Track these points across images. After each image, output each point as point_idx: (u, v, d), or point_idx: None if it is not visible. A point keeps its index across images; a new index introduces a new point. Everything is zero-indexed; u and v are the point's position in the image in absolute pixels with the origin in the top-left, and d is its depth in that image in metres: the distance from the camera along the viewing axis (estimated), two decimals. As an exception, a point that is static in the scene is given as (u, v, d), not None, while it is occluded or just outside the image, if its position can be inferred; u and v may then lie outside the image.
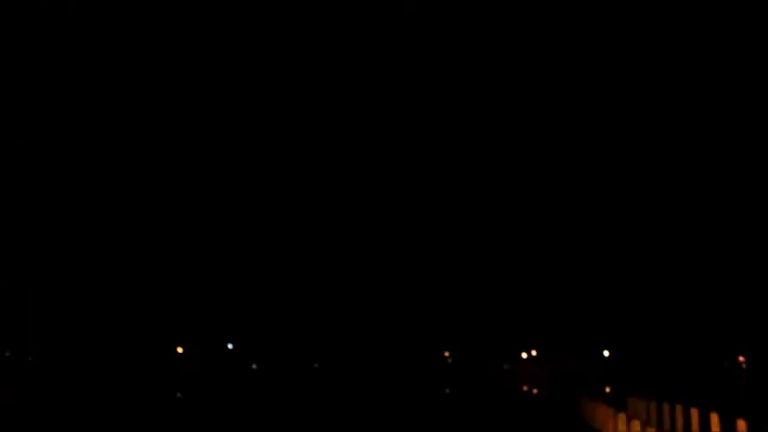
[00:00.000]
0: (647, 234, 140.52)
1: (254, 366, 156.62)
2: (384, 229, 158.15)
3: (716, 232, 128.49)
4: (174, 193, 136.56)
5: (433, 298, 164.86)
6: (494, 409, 58.85)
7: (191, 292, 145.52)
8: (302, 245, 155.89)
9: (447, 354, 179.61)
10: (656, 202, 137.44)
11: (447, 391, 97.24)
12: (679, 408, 29.34)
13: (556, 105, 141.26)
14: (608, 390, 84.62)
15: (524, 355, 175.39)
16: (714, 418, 23.12)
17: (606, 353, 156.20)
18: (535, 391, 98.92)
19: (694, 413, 26.42)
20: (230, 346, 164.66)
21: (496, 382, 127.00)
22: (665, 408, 31.27)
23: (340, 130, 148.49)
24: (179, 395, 72.88)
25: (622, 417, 22.52)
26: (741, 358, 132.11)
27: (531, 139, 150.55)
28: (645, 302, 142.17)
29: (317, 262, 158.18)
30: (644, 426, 30.16)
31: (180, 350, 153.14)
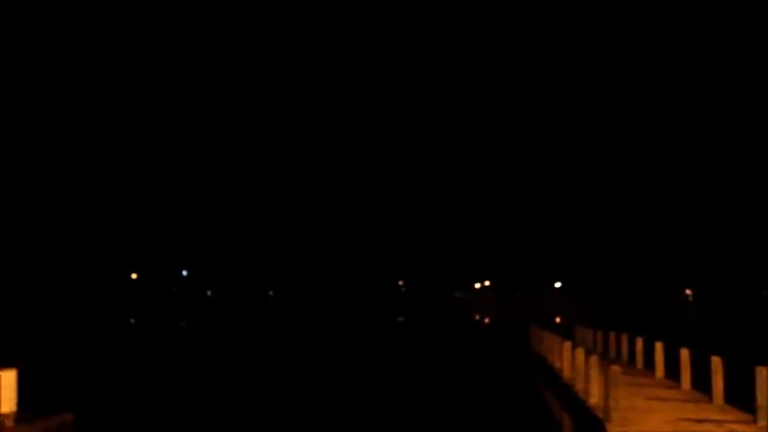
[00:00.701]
0: (599, 170, 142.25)
1: (208, 293, 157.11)
2: (343, 162, 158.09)
3: (664, 168, 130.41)
4: (133, 121, 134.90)
5: (389, 229, 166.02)
6: (445, 336, 59.96)
7: (146, 217, 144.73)
8: (261, 173, 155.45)
9: (401, 283, 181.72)
10: (608, 140, 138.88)
11: (400, 318, 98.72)
12: (624, 337, 30.34)
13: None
14: (558, 320, 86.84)
15: (477, 286, 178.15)
16: (658, 347, 24.04)
17: (558, 284, 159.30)
18: (487, 320, 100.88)
19: (639, 342, 27.38)
20: (185, 272, 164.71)
21: (449, 311, 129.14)
22: (611, 336, 32.32)
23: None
24: (133, 321, 73.10)
25: (567, 344, 23.30)
26: (688, 291, 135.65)
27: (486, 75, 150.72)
28: (596, 236, 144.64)
29: (275, 191, 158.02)
30: (588, 353, 31.25)
31: (134, 276, 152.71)
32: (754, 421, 15.65)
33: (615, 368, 15.76)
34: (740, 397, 17.57)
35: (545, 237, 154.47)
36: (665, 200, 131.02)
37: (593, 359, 18.12)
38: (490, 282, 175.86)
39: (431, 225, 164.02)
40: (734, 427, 15.49)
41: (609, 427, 15.23)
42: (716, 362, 18.25)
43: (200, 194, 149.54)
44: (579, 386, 20.20)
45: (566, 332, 44.56)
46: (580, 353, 20.36)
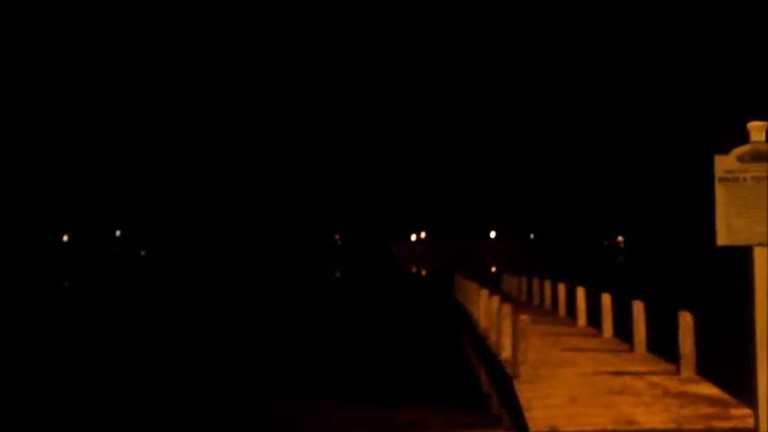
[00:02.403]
0: (532, 120, 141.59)
1: (142, 253, 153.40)
2: (282, 115, 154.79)
3: (596, 117, 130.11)
4: (62, 75, 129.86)
5: (324, 183, 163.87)
6: (380, 289, 58.63)
7: (76, 178, 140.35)
8: (195, 125, 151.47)
9: (338, 237, 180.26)
10: (538, 91, 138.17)
11: (337, 273, 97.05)
12: (547, 283, 28.86)
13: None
14: (494, 269, 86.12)
15: (414, 238, 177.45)
16: (579, 293, 22.62)
17: (493, 234, 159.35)
18: (423, 272, 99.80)
19: (561, 288, 25.94)
20: (118, 233, 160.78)
21: (386, 264, 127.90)
22: (535, 283, 30.86)
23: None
24: (66, 284, 70.05)
25: (484, 293, 21.64)
26: (620, 238, 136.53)
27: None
28: (530, 185, 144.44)
29: (208, 147, 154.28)
30: (507, 302, 29.78)
31: (65, 238, 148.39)
32: (677, 372, 14.06)
33: (524, 318, 14.00)
34: (666, 345, 15.96)
35: (479, 187, 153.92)
36: (597, 147, 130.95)
37: (505, 308, 16.36)
38: (426, 234, 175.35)
39: (366, 178, 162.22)
40: (655, 379, 13.88)
41: (516, 384, 13.48)
42: (638, 308, 16.66)
43: (132, 151, 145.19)
44: (493, 338, 18.49)
45: (499, 281, 43.26)
46: (494, 301, 18.60)
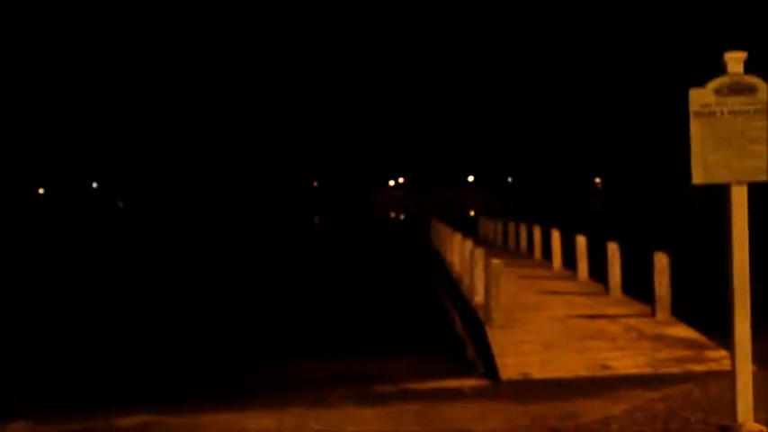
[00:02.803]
0: (507, 61, 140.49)
1: (120, 204, 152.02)
2: (262, 57, 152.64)
3: (572, 55, 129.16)
4: (39, 26, 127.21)
5: (302, 126, 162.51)
6: (357, 234, 58.37)
7: (52, 129, 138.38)
8: (173, 70, 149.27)
9: (316, 183, 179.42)
10: (514, 31, 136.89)
11: (316, 220, 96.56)
12: (522, 226, 28.56)
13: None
14: (472, 213, 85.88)
15: (392, 183, 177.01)
16: (555, 235, 22.33)
17: (471, 178, 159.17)
18: (402, 216, 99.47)
19: (536, 230, 25.65)
20: (94, 185, 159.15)
21: (365, 209, 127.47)
22: (510, 226, 30.56)
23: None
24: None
25: (458, 236, 21.28)
26: (597, 180, 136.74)
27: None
28: (508, 128, 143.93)
29: (186, 92, 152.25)
30: (481, 245, 29.48)
31: (41, 191, 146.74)
32: (653, 314, 13.80)
33: (496, 261, 13.63)
34: (642, 288, 15.66)
35: (457, 131, 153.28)
36: (575, 88, 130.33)
37: (478, 252, 15.99)
38: (404, 178, 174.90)
39: (344, 122, 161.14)
40: (630, 322, 13.62)
41: (488, 329, 13.17)
42: (612, 249, 16.35)
43: (108, 97, 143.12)
44: (467, 282, 18.14)
45: (477, 225, 42.97)
46: (467, 245, 18.23)
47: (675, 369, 10.60)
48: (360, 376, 12.22)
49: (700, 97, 7.80)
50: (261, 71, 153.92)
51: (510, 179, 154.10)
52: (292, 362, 13.52)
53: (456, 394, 10.03)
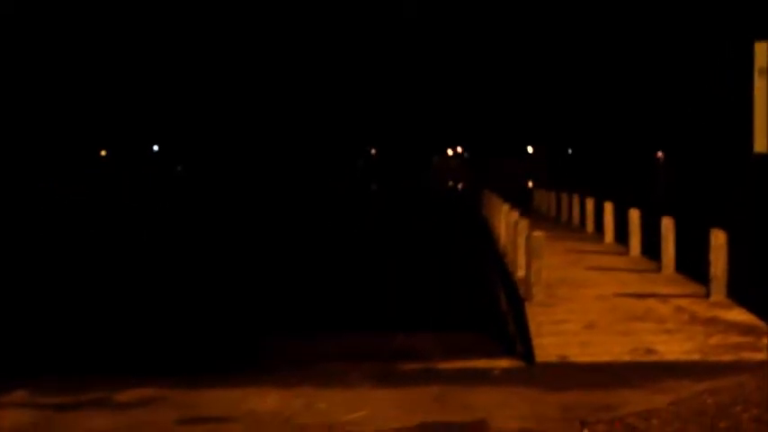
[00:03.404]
0: (570, 34, 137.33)
1: (179, 168, 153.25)
2: (313, 35, 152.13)
3: (633, 30, 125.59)
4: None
5: (361, 94, 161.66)
6: (415, 201, 57.74)
7: (116, 92, 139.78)
8: (227, 45, 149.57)
9: (374, 151, 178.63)
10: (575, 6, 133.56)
11: (374, 186, 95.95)
12: (575, 198, 27.45)
13: None
14: (531, 184, 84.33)
15: (450, 152, 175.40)
16: (607, 207, 21.27)
17: (530, 149, 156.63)
18: (461, 186, 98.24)
19: (589, 203, 24.56)
20: (155, 148, 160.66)
21: (423, 178, 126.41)
22: (563, 198, 29.45)
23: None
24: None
25: (505, 207, 20.34)
26: (660, 154, 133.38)
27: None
28: (568, 99, 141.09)
29: (241, 63, 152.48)
30: (535, 216, 28.49)
31: (103, 153, 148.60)
32: (707, 295, 12.77)
33: (537, 234, 12.72)
34: (697, 267, 14.57)
35: (519, 101, 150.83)
36: (636, 61, 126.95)
37: (522, 223, 15.08)
38: (463, 148, 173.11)
39: (402, 90, 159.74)
40: (682, 302, 12.61)
41: (528, 307, 12.30)
42: (667, 224, 15.29)
43: (167, 66, 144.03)
44: (511, 255, 17.22)
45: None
46: (513, 215, 17.30)
47: (728, 357, 9.65)
48: (389, 352, 11.51)
49: (766, 52, 6.73)
50: (318, 39, 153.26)
51: (570, 151, 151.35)
52: (322, 336, 12.83)
53: (485, 376, 9.22)
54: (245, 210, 51.04)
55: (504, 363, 10.16)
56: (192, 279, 20.93)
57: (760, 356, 9.67)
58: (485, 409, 7.56)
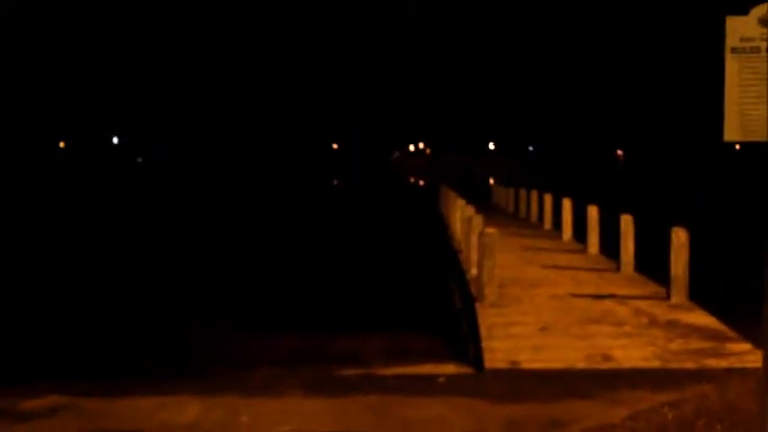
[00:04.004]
0: (530, 29, 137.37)
1: (139, 160, 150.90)
2: (281, 20, 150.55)
3: (596, 26, 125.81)
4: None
5: (324, 89, 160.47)
6: (375, 197, 57.05)
7: (76, 83, 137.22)
8: (187, 38, 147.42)
9: (335, 146, 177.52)
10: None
11: (335, 182, 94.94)
12: (534, 194, 26.86)
13: None
14: (492, 181, 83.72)
15: (412, 148, 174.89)
16: (566, 204, 20.69)
17: (491, 146, 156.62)
18: (422, 182, 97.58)
19: (548, 199, 23.97)
20: (115, 140, 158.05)
21: (384, 174, 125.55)
22: (522, 194, 28.88)
23: None
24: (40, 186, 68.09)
25: (461, 202, 19.66)
26: (619, 151, 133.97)
27: None
28: (531, 97, 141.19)
29: (204, 56, 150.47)
30: (494, 213, 27.89)
31: (62, 145, 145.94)
32: (667, 297, 12.14)
33: (490, 231, 12.02)
34: (658, 267, 13.92)
35: (481, 99, 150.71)
36: (596, 57, 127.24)
37: (476, 219, 14.37)
38: (425, 144, 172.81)
39: (364, 86, 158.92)
40: (641, 304, 11.98)
41: (480, 308, 11.58)
42: (626, 221, 14.67)
43: (130, 56, 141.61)
44: (466, 253, 16.50)
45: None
46: (468, 211, 16.60)
47: (690, 364, 9.00)
48: (329, 356, 10.70)
49: (739, 28, 5.98)
50: (286, 33, 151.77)
51: (531, 148, 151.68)
52: (260, 337, 11.97)
53: (428, 385, 8.48)
54: (202, 203, 49.92)
55: (451, 368, 9.43)
56: (130, 272, 19.94)
57: (723, 364, 9.05)
58: (423, 425, 6.82)
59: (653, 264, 14.34)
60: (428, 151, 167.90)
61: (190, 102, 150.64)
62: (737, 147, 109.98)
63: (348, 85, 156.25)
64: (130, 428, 6.83)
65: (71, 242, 27.19)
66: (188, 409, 7.40)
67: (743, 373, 8.65)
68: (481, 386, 8.30)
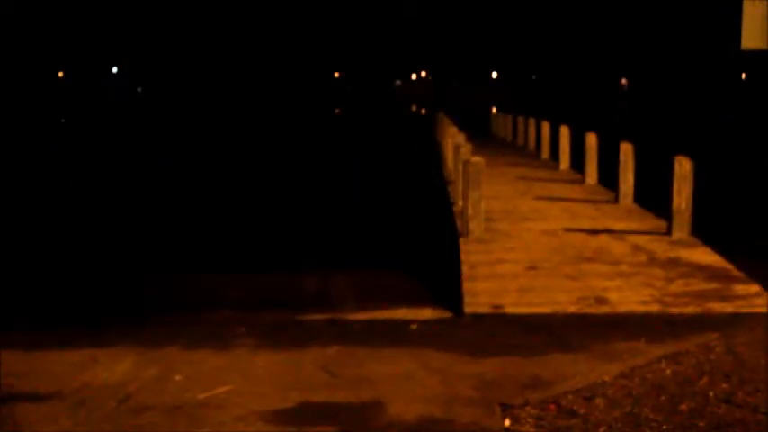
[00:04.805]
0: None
1: (138, 90, 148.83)
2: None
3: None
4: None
5: (326, 17, 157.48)
6: (375, 126, 55.94)
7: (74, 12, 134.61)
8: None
9: (337, 74, 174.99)
10: None
11: (337, 111, 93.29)
12: (531, 121, 25.69)
13: None
14: (494, 110, 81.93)
15: (414, 77, 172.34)
16: (563, 131, 19.58)
17: (494, 74, 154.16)
18: (423, 111, 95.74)
19: (545, 125, 22.82)
20: (114, 69, 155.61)
21: (386, 101, 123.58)
22: (520, 122, 27.71)
23: None
24: (63, 120, 66.68)
25: (453, 130, 18.56)
26: (623, 80, 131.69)
27: None
28: (533, 24, 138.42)
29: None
30: (493, 142, 26.79)
31: (60, 74, 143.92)
32: (668, 232, 11.16)
33: (476, 160, 10.98)
34: (659, 201, 12.87)
35: (484, 26, 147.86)
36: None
37: (465, 148, 13.30)
38: (427, 73, 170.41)
39: (367, 14, 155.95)
40: (640, 240, 11.01)
41: (463, 244, 10.62)
42: (626, 150, 13.60)
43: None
44: (455, 183, 15.47)
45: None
46: (459, 139, 15.52)
47: (692, 309, 8.06)
48: (295, 296, 9.77)
49: None
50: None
51: (534, 76, 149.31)
52: (226, 277, 11.00)
53: (398, 333, 7.55)
54: (203, 135, 48.78)
55: (427, 313, 8.50)
56: (100, 205, 18.97)
57: (729, 308, 8.11)
58: (384, 385, 5.89)
59: (654, 196, 13.34)
60: (430, 80, 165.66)
61: (187, 32, 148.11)
62: (743, 76, 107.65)
63: (350, 11, 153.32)
64: (47, 391, 5.92)
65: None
66: (119, 365, 6.50)
67: (751, 319, 7.73)
68: (458, 335, 7.38)
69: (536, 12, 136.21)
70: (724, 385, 5.99)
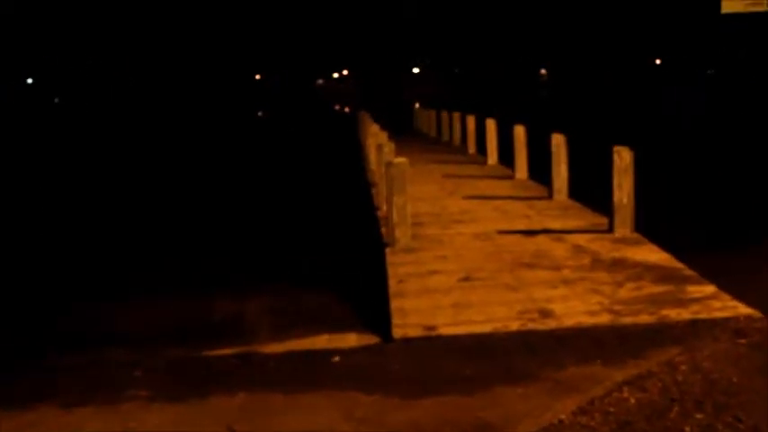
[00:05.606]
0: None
1: (56, 100, 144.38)
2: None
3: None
4: None
5: (245, 19, 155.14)
6: (299, 127, 54.82)
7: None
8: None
9: (259, 76, 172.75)
10: None
11: (260, 114, 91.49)
12: (456, 116, 24.88)
13: None
14: (417, 105, 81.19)
15: (336, 75, 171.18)
16: (490, 125, 18.81)
17: (416, 69, 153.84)
18: (347, 109, 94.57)
19: (470, 119, 22.04)
20: (30, 80, 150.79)
21: (309, 101, 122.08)
22: (444, 117, 26.90)
23: None
24: None
25: (374, 128, 17.60)
26: (543, 71, 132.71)
27: None
28: (455, 16, 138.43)
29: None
30: (416, 138, 25.93)
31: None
32: (609, 229, 10.35)
33: (400, 161, 9.99)
34: (595, 196, 12.09)
35: (400, 20, 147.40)
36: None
37: (388, 147, 12.31)
38: (349, 71, 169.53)
39: (285, 13, 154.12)
40: (580, 239, 10.18)
41: (389, 254, 9.63)
42: (558, 141, 12.78)
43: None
44: (379, 186, 14.50)
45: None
46: (381, 138, 14.54)
47: (646, 318, 7.22)
48: (205, 324, 8.64)
49: None
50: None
51: (456, 70, 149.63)
52: (124, 302, 9.78)
53: (320, 368, 6.51)
54: (127, 139, 46.95)
55: (351, 340, 7.48)
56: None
57: (686, 315, 7.30)
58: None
59: (587, 190, 12.57)
60: (351, 78, 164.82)
61: (107, 36, 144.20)
62: (658, 61, 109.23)
63: (267, 14, 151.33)
64: None
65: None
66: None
67: (711, 326, 6.92)
68: (387, 368, 6.38)
69: (454, 3, 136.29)
70: (698, 415, 5.14)
